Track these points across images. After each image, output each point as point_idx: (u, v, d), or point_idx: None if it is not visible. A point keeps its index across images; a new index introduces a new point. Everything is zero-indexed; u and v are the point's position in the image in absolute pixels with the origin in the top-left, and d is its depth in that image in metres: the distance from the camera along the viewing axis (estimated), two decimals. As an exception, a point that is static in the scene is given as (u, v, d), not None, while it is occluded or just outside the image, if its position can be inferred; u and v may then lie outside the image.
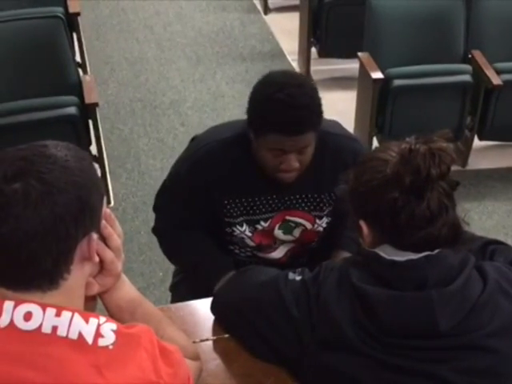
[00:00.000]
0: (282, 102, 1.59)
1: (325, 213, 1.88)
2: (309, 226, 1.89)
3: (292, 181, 1.74)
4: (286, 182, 1.74)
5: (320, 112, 1.67)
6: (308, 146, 1.67)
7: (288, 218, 1.86)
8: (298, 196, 1.83)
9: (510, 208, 3.47)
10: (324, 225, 1.90)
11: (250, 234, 1.87)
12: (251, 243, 1.89)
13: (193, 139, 1.91)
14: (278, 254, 1.95)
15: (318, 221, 1.88)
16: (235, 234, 1.87)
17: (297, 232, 1.90)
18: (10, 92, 3.04)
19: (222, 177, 1.78)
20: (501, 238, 1.66)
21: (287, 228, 1.89)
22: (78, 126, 3.02)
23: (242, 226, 1.85)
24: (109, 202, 3.32)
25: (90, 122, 3.17)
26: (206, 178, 1.78)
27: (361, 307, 1.23)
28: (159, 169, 3.60)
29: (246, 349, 1.44)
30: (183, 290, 2.04)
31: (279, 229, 1.88)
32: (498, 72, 3.37)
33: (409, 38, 3.51)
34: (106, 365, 0.95)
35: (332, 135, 1.80)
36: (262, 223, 1.85)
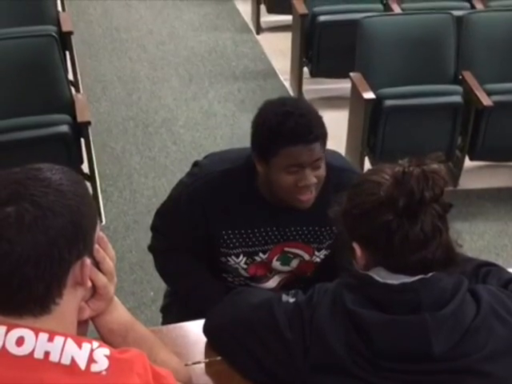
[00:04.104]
0: (290, 112, 1.61)
1: (325, 245, 1.87)
2: (307, 257, 1.88)
3: (308, 206, 1.69)
4: (304, 207, 1.70)
5: (323, 123, 1.68)
6: (321, 158, 1.65)
7: (287, 249, 1.85)
8: (298, 228, 1.81)
9: (501, 228, 3.48)
10: (322, 256, 1.89)
11: (245, 266, 1.86)
12: (245, 274, 1.89)
13: (195, 164, 1.90)
14: (272, 283, 1.94)
15: (316, 252, 1.87)
16: (230, 263, 1.86)
17: (294, 263, 1.89)
18: (1, 110, 3.03)
19: (222, 208, 1.77)
20: (492, 258, 1.66)
21: (285, 259, 1.88)
22: (70, 145, 3.02)
23: (238, 257, 1.84)
24: (100, 221, 3.30)
25: (82, 141, 3.17)
26: (205, 208, 1.77)
27: (354, 330, 1.23)
28: (151, 187, 3.59)
29: (239, 372, 1.42)
30: (175, 312, 2.02)
31: (277, 260, 1.87)
32: (489, 93, 3.40)
33: (400, 59, 3.55)
34: (98, 391, 0.94)
35: (335, 168, 1.76)
36: (261, 255, 1.84)
